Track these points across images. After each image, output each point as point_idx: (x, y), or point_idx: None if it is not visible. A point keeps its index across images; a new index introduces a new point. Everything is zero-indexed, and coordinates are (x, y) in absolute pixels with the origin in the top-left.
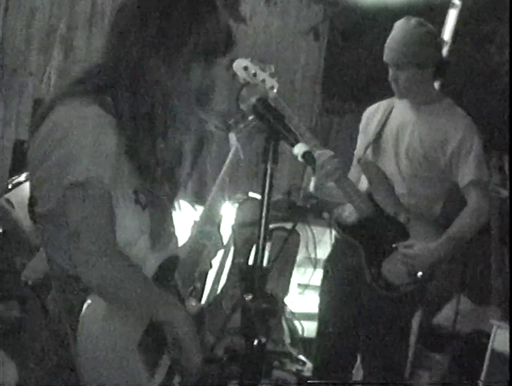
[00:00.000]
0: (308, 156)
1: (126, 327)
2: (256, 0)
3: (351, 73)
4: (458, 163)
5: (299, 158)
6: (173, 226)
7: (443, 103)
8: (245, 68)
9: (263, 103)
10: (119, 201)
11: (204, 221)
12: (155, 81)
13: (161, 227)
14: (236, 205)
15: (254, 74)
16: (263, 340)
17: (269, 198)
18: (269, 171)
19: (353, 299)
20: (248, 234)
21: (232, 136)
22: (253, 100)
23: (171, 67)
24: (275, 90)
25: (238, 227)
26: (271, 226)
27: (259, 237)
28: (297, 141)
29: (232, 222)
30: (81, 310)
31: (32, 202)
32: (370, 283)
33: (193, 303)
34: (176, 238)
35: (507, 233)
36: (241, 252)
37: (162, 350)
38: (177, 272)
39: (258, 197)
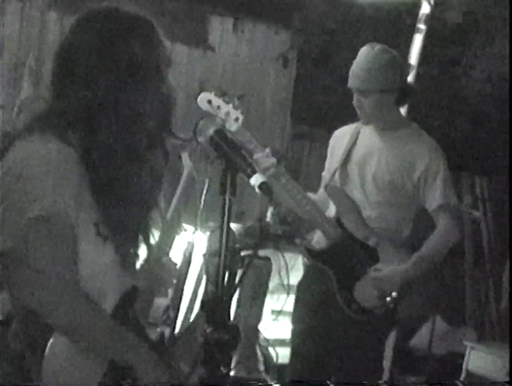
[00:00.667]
0: (264, 187)
1: (88, 365)
2: (224, 29)
3: (320, 98)
4: (425, 188)
5: (256, 189)
6: (137, 255)
7: (409, 129)
8: (209, 101)
9: (220, 135)
10: (80, 235)
11: (157, 248)
12: (112, 111)
13: (127, 258)
14: (208, 233)
15: (218, 107)
16: (225, 371)
17: (228, 229)
18: (227, 202)
19: (325, 324)
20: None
21: (185, 157)
22: (210, 132)
23: (123, 95)
24: (240, 122)
25: (210, 255)
26: (243, 253)
27: (219, 268)
28: (254, 173)
29: (204, 250)
30: (45, 347)
31: None
32: (342, 308)
33: (158, 329)
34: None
35: (480, 254)
36: (213, 280)
37: None
38: (137, 301)
39: (231, 224)
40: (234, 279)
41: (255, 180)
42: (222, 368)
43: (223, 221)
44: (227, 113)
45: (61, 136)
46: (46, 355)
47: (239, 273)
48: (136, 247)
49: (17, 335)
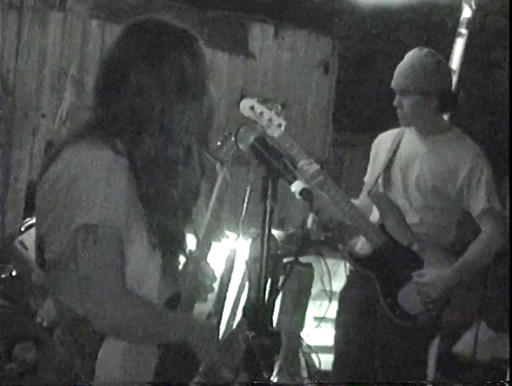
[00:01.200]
0: (305, 193)
1: (140, 359)
2: (264, 36)
3: (362, 104)
4: (469, 193)
5: (297, 196)
6: (179, 262)
7: (452, 133)
8: (251, 107)
9: (261, 142)
10: (133, 242)
11: (196, 255)
12: (157, 123)
13: (172, 266)
14: (250, 240)
15: (261, 113)
16: (266, 376)
17: (269, 236)
18: (268, 209)
19: (369, 330)
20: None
21: (217, 164)
22: (251, 139)
23: (172, 112)
24: (282, 128)
25: (252, 262)
26: (285, 260)
27: (260, 275)
28: (295, 179)
29: (246, 257)
30: (95, 354)
31: (41, 248)
32: (386, 314)
33: None
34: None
35: None
36: (256, 287)
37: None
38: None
39: (272, 231)
40: (277, 285)
41: (296, 187)
42: (264, 374)
43: (264, 228)
44: (270, 120)
45: (111, 144)
46: (99, 362)
47: (282, 279)
48: (178, 254)
49: (63, 341)
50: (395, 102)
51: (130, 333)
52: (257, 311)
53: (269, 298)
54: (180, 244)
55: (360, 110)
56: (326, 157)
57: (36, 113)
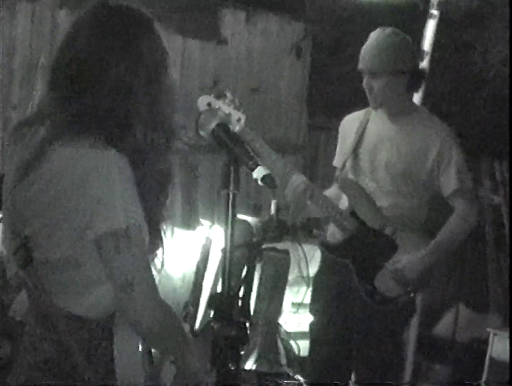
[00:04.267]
0: (267, 179)
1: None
2: (236, 21)
3: (336, 88)
4: (440, 174)
5: (259, 182)
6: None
7: (420, 113)
8: (208, 104)
9: (222, 128)
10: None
11: None
12: (141, 113)
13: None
14: (225, 227)
15: (218, 109)
16: (233, 367)
17: (233, 224)
18: (231, 196)
19: (344, 315)
20: (238, 256)
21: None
22: (212, 125)
23: (147, 94)
24: (242, 122)
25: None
26: (261, 247)
27: (224, 264)
28: (256, 165)
29: (222, 245)
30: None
31: (28, 247)
32: (360, 299)
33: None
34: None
35: (502, 239)
36: (232, 275)
37: None
38: None
39: (247, 218)
40: (253, 273)
41: (257, 173)
42: (230, 365)
43: (227, 215)
44: (228, 115)
45: (109, 142)
46: (116, 358)
47: (258, 266)
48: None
49: (47, 338)
50: (364, 84)
51: (162, 339)
52: (221, 301)
53: (235, 287)
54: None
55: (334, 94)
56: (301, 141)
57: (6, 105)
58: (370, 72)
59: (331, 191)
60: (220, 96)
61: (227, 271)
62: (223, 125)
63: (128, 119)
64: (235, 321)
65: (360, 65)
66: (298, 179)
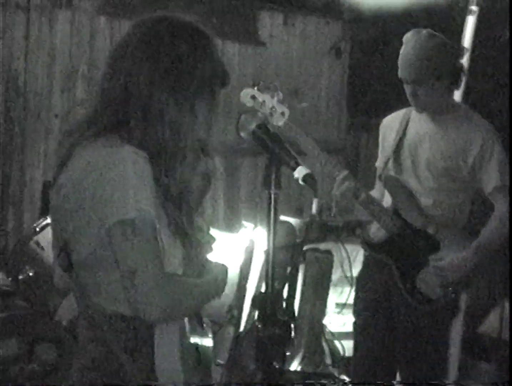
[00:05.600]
0: (308, 178)
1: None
2: (274, 23)
3: (375, 88)
4: (481, 171)
5: (300, 182)
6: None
7: (460, 112)
8: (253, 97)
9: (262, 129)
10: (159, 233)
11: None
12: (166, 119)
13: (193, 256)
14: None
15: (263, 102)
16: (278, 366)
17: (275, 224)
18: (272, 196)
19: (387, 315)
20: (281, 257)
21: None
22: (252, 126)
23: (179, 105)
24: (286, 116)
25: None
26: (304, 248)
27: (268, 265)
28: (297, 165)
29: (265, 246)
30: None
31: (68, 251)
32: (403, 298)
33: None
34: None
35: None
36: (276, 276)
37: None
38: None
39: (290, 220)
40: (296, 274)
41: (299, 173)
42: (275, 364)
43: (269, 216)
44: (273, 108)
45: (130, 140)
46: (157, 356)
47: (301, 267)
48: (198, 245)
49: (92, 339)
50: (407, 93)
51: (178, 313)
52: (264, 301)
53: (287, 287)
54: (195, 236)
55: (374, 93)
56: (341, 142)
57: (48, 114)
58: (412, 81)
59: (374, 192)
60: (264, 89)
61: (271, 271)
62: (263, 126)
63: (149, 121)
64: (279, 320)
65: (401, 74)
66: (345, 179)
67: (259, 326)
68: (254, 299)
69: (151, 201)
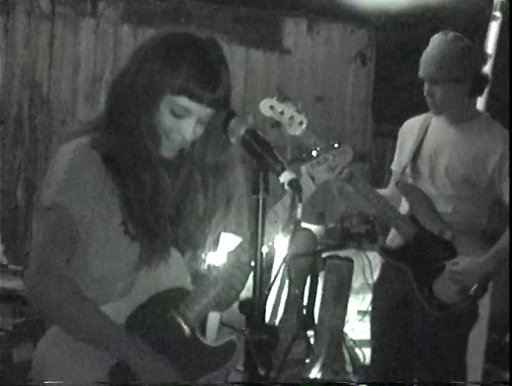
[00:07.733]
0: (294, 183)
1: (91, 363)
2: (298, 31)
3: (401, 95)
4: (500, 179)
5: (286, 187)
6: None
7: (481, 119)
8: (271, 107)
9: (251, 134)
10: (108, 232)
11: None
12: (137, 123)
13: (156, 258)
14: (288, 236)
15: (281, 112)
16: (262, 372)
17: (263, 229)
18: (261, 202)
19: (404, 322)
20: (301, 264)
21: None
22: (241, 131)
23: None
24: (304, 126)
25: (291, 258)
26: (324, 255)
27: (255, 268)
28: (283, 170)
29: (285, 253)
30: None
31: None
32: (421, 305)
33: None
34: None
35: None
36: (296, 283)
37: None
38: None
39: (311, 227)
40: (317, 280)
41: (284, 177)
42: (260, 369)
43: (257, 221)
44: (291, 118)
45: (92, 141)
46: (46, 356)
47: (322, 274)
48: (166, 249)
49: None
50: (425, 91)
51: (65, 324)
52: (252, 307)
53: (257, 295)
54: (164, 240)
55: (400, 100)
56: (367, 149)
57: (73, 121)
58: (431, 79)
59: (384, 192)
60: (283, 99)
61: (258, 277)
62: (253, 131)
63: (119, 134)
64: (266, 326)
65: (421, 72)
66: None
67: (245, 331)
68: (241, 305)
69: (77, 198)
